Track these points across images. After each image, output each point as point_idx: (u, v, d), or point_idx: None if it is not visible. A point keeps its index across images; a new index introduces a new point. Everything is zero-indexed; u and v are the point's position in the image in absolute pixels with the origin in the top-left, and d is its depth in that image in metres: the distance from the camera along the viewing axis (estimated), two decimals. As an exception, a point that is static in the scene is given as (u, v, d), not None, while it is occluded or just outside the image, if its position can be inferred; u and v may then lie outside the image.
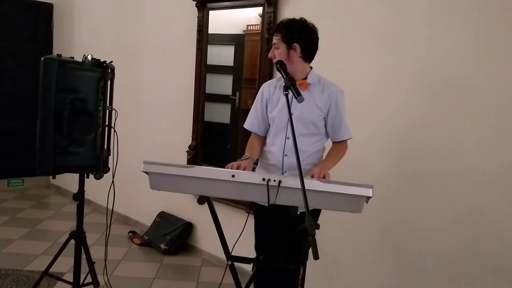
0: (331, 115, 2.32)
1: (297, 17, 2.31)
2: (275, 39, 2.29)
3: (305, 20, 2.36)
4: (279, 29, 2.28)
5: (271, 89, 2.41)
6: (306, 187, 1.69)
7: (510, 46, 2.33)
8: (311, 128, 2.30)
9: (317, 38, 2.33)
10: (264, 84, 2.48)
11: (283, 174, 2.29)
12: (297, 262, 2.32)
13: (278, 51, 2.27)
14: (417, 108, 2.65)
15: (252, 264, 2.54)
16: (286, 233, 2.30)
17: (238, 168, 2.12)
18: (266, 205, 2.33)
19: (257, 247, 2.50)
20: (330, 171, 2.19)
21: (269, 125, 2.42)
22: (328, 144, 2.43)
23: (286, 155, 2.31)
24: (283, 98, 2.32)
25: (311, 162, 2.31)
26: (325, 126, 2.35)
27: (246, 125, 2.47)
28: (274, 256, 2.38)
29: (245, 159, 2.26)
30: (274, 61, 2.29)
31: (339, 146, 2.38)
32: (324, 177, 2.08)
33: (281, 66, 2.15)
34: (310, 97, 2.27)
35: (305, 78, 2.31)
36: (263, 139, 2.45)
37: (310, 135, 2.31)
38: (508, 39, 2.33)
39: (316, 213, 2.24)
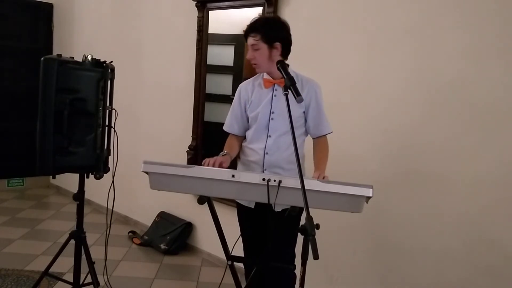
0: (311, 110, 2.31)
1: (269, 16, 2.30)
2: (252, 40, 2.24)
3: (279, 17, 2.33)
4: (256, 29, 2.23)
5: (249, 89, 2.39)
6: (306, 187, 1.69)
7: (499, 49, 2.34)
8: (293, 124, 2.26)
9: (291, 34, 2.31)
10: (240, 84, 2.46)
11: (263, 171, 2.29)
12: (284, 260, 2.34)
13: (258, 52, 2.24)
14: (414, 107, 2.65)
15: (243, 265, 2.55)
16: (271, 232, 2.31)
17: (214, 163, 2.14)
18: (252, 206, 2.35)
19: (244, 247, 2.51)
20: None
21: (248, 125, 2.41)
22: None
23: (267, 153, 2.30)
24: (265, 96, 2.34)
25: (293, 161, 2.28)
26: (305, 122, 2.34)
27: (225, 127, 2.46)
28: (260, 255, 2.38)
29: (223, 155, 2.27)
30: (254, 62, 2.27)
31: (321, 143, 2.35)
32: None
33: (282, 66, 2.14)
34: (290, 94, 2.24)
35: None
36: (242, 138, 2.45)
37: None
38: (502, 39, 2.33)
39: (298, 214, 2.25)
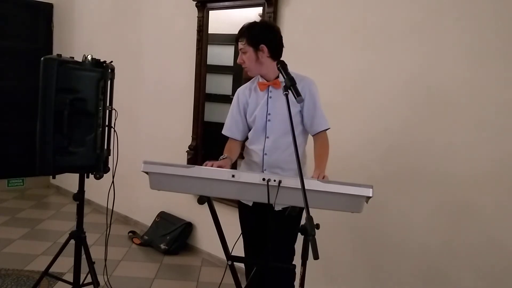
0: (306, 107, 2.32)
1: (258, 20, 2.36)
2: (240, 45, 2.30)
3: (266, 21, 2.37)
4: (242, 34, 2.30)
5: (247, 93, 2.42)
6: (306, 187, 1.69)
7: (499, 49, 2.35)
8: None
9: (281, 36, 2.34)
10: (238, 89, 2.49)
11: (263, 171, 2.32)
12: (284, 260, 2.35)
13: (246, 56, 2.29)
14: (414, 106, 2.65)
15: (244, 264, 2.55)
16: (271, 231, 2.31)
17: (212, 166, 2.14)
18: (250, 204, 2.36)
19: (245, 246, 2.51)
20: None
21: (248, 129, 2.44)
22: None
23: (266, 154, 2.33)
24: (261, 98, 2.36)
25: (293, 161, 2.28)
26: (302, 121, 2.35)
27: (224, 131, 2.48)
28: (261, 254, 2.39)
29: (223, 158, 2.28)
30: (244, 66, 2.32)
31: (321, 140, 2.35)
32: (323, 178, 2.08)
33: (282, 67, 2.15)
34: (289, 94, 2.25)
35: (277, 77, 2.33)
36: (241, 142, 2.47)
37: (289, 132, 2.29)
38: (502, 39, 2.33)
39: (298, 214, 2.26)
